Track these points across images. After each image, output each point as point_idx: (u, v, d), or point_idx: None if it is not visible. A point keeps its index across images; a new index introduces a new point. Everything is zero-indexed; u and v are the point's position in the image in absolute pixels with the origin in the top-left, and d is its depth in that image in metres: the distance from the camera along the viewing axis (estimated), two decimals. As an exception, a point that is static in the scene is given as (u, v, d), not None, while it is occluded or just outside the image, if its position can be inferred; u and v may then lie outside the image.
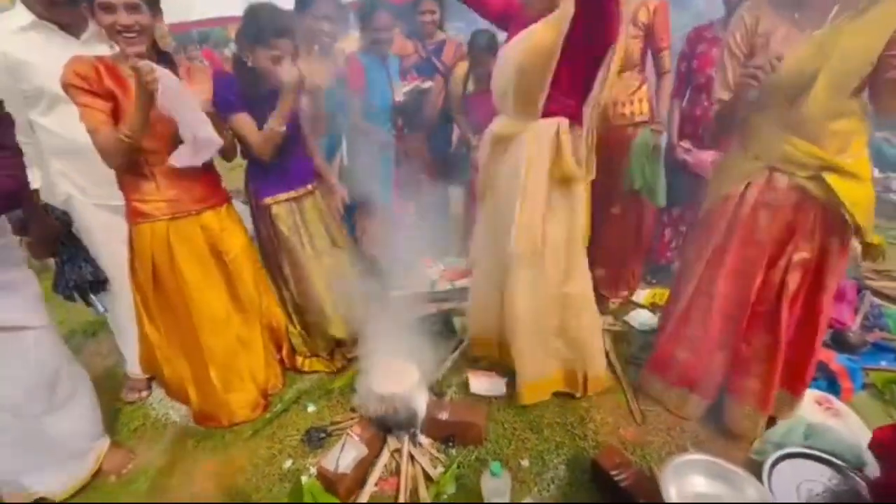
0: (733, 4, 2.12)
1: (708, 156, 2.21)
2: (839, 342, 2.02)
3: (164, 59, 1.51)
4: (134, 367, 2.02)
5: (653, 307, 2.47)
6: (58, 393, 1.53)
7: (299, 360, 2.14)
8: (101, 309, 1.82)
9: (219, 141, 1.56)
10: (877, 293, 2.44)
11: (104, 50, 1.55)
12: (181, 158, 1.53)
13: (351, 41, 2.51)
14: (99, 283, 1.77)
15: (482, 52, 2.23)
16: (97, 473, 1.69)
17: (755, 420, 1.66)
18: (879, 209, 3.61)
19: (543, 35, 1.39)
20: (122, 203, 1.64)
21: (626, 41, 2.03)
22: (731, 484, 1.28)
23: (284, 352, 2.12)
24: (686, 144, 2.34)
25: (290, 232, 1.92)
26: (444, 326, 2.38)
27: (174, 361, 1.81)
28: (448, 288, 2.58)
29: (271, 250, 1.98)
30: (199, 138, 1.50)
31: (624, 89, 2.09)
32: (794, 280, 1.48)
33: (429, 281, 2.67)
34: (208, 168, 1.70)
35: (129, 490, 1.68)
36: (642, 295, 2.57)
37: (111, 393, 2.09)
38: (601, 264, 2.40)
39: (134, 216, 1.62)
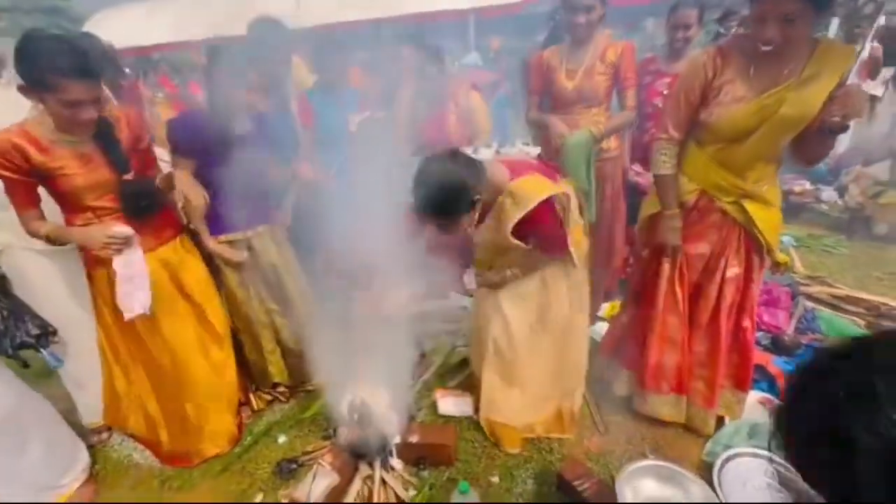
0: (678, 42, 2.32)
1: None
2: (776, 345, 2.21)
3: (101, 123, 1.45)
4: (89, 417, 1.97)
5: (612, 320, 2.60)
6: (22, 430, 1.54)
7: (252, 397, 2.13)
8: (54, 362, 1.76)
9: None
10: (811, 298, 2.67)
11: None
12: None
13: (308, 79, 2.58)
14: (46, 335, 1.69)
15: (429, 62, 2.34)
16: None
17: (705, 417, 1.82)
18: (812, 219, 3.99)
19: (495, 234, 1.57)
20: (64, 248, 1.60)
21: (594, 78, 2.15)
22: (678, 484, 1.39)
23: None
24: (637, 168, 2.52)
25: (231, 271, 1.92)
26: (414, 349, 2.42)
27: (143, 407, 1.77)
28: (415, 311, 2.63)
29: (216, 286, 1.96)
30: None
31: (592, 125, 2.17)
32: (730, 293, 1.66)
33: (396, 304, 2.71)
34: (160, 202, 1.68)
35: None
36: (603, 308, 2.70)
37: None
38: None
39: (91, 264, 1.59)
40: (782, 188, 4.21)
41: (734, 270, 1.63)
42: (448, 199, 1.40)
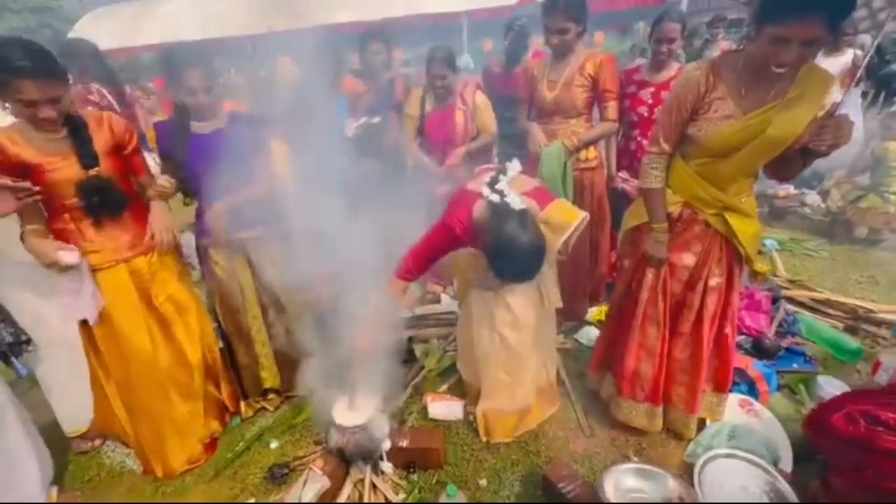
0: (662, 54, 2.35)
1: None
2: (757, 349, 2.27)
3: (73, 121, 1.53)
4: (67, 426, 2.00)
5: (600, 324, 2.65)
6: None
7: (242, 405, 2.15)
8: (22, 372, 1.77)
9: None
10: (792, 301, 2.74)
11: None
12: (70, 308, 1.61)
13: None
14: (19, 344, 1.72)
15: (440, 65, 2.40)
16: None
17: (686, 421, 1.88)
18: (795, 223, 4.08)
19: None
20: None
21: (572, 89, 2.21)
22: (656, 481, 1.46)
23: (225, 393, 2.09)
24: (624, 175, 2.58)
25: (225, 275, 1.95)
26: (405, 353, 2.46)
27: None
28: (408, 316, 2.68)
29: (211, 289, 2.01)
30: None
31: (570, 136, 2.25)
32: (712, 302, 1.71)
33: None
34: (137, 214, 1.72)
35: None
36: (590, 312, 2.75)
37: (61, 443, 2.03)
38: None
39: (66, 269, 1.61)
40: (767, 192, 4.32)
41: (716, 280, 1.67)
42: (541, 259, 1.50)
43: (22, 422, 1.65)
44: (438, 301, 2.89)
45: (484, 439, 1.92)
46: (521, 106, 2.50)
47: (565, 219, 1.55)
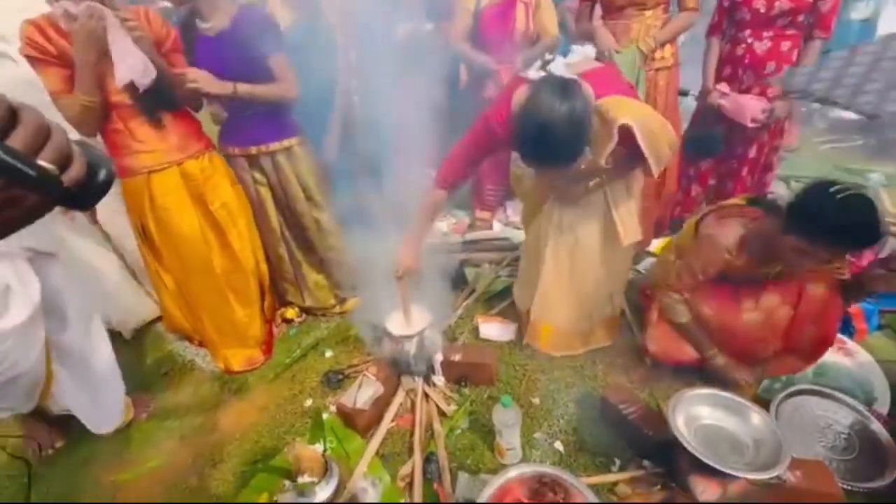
0: None
1: (747, 100, 2.03)
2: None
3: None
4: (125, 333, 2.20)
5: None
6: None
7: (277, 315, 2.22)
8: None
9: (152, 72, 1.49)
10: (899, 239, 2.38)
11: None
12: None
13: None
14: None
15: None
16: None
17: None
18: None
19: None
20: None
21: None
22: (737, 413, 1.29)
23: (267, 302, 2.12)
24: (723, 88, 2.13)
25: (248, 185, 1.93)
26: (457, 276, 2.41)
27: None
28: (458, 241, 2.60)
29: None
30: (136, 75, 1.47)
31: (646, 31, 1.95)
32: None
33: (439, 233, 2.69)
34: (183, 117, 1.70)
35: (163, 428, 1.80)
36: (655, 244, 2.55)
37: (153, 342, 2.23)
38: None
39: (120, 172, 1.67)
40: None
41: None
42: (578, 142, 1.23)
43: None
44: (490, 228, 2.78)
45: (525, 342, 1.88)
46: (580, 5, 2.17)
47: (616, 114, 1.22)
